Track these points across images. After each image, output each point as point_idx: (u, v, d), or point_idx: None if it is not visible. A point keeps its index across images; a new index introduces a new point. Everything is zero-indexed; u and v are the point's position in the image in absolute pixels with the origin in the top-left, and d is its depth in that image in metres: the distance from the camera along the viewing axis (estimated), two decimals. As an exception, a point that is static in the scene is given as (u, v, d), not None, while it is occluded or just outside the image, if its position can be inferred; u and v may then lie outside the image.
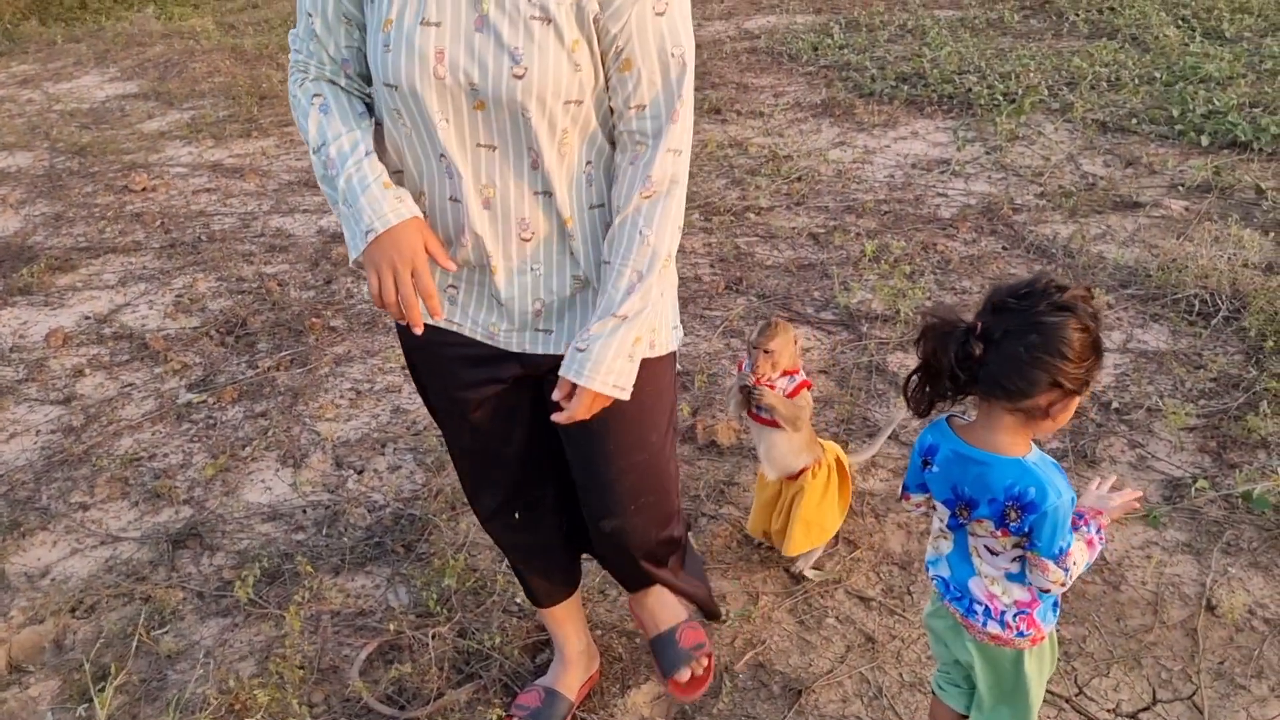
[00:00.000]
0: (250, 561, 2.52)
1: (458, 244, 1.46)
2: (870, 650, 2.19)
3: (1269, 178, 4.33)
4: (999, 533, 1.46)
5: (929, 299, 3.54)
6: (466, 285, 1.52)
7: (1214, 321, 3.31)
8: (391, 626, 2.28)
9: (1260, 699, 2.01)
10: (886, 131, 5.27)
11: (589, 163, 1.43)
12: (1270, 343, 3.13)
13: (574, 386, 1.43)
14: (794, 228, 4.19)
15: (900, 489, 1.67)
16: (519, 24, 1.29)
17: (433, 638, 2.24)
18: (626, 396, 1.44)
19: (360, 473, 2.87)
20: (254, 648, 2.28)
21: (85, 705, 2.16)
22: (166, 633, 2.34)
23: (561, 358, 1.46)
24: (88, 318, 3.84)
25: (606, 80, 1.38)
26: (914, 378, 1.45)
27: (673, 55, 1.36)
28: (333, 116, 1.41)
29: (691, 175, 4.82)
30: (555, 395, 1.45)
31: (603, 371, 1.40)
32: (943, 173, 4.68)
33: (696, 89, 6.21)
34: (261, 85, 6.90)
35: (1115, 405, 2.93)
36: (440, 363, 1.61)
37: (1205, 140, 4.73)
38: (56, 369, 3.50)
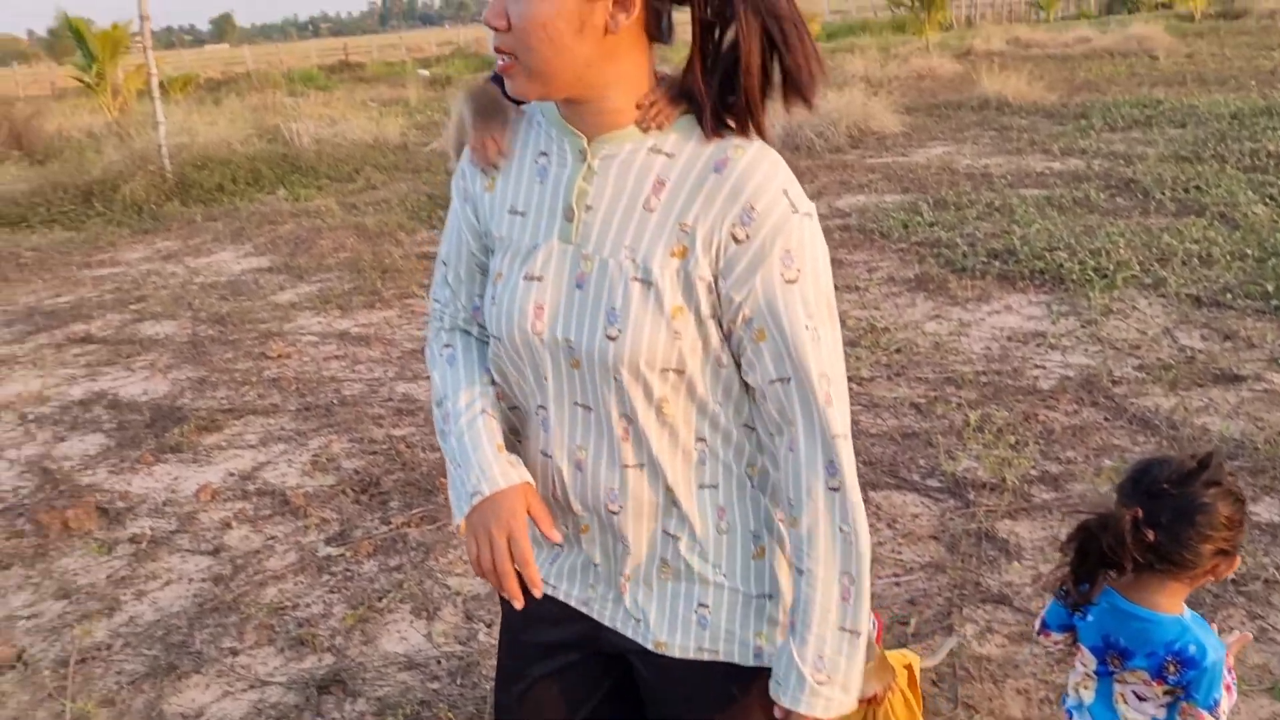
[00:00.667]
0: (391, 708, 2.66)
1: (552, 500, 1.36)
2: (998, 816, 2.21)
3: (1372, 352, 4.37)
4: (1155, 683, 1.57)
5: (1034, 469, 3.62)
6: (567, 547, 1.41)
7: (1326, 494, 3.33)
8: (527, 775, 2.38)
9: None
10: (980, 305, 5.46)
11: (701, 439, 1.29)
12: (1387, 516, 3.14)
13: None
14: (895, 398, 4.34)
15: (1038, 625, 1.77)
16: (620, 284, 1.22)
17: (567, 787, 2.33)
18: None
19: (490, 626, 3.01)
20: (397, 792, 2.39)
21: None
22: (314, 774, 2.47)
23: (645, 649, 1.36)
24: (233, 474, 4.14)
25: (737, 354, 1.25)
26: (1078, 567, 1.60)
27: (807, 328, 1.20)
28: (457, 369, 1.39)
29: (793, 346, 5.04)
30: (777, 714, 1.30)
31: (854, 691, 1.28)
32: (1039, 345, 4.82)
33: (793, 264, 6.51)
34: (384, 260, 7.43)
35: (1232, 576, 2.95)
36: (521, 614, 1.41)
37: (1303, 315, 4.80)
38: (206, 522, 3.77)
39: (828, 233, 7.19)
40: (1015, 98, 12.87)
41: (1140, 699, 1.62)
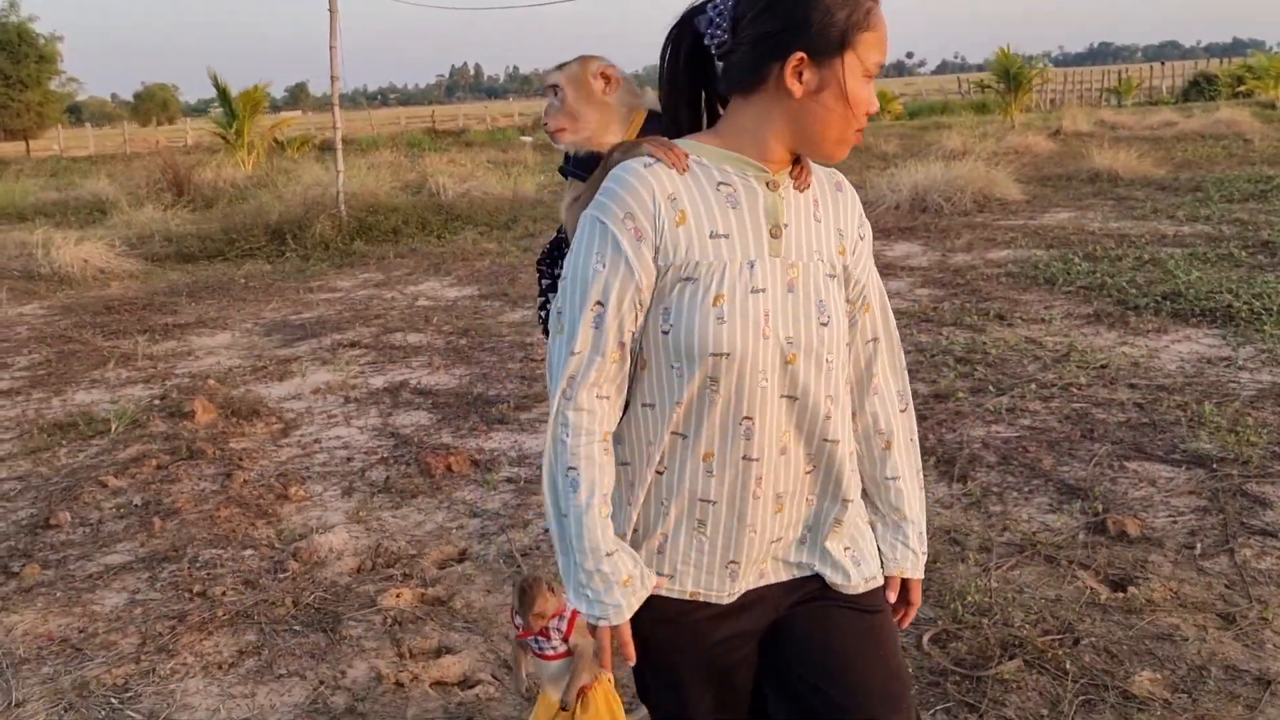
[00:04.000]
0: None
1: (748, 499, 1.54)
2: (1317, 660, 2.92)
3: None
4: None
5: (1264, 450, 4.34)
6: (753, 541, 1.57)
7: None
8: (937, 625, 3.13)
9: None
10: (1161, 336, 6.20)
11: (843, 408, 1.61)
12: None
13: (903, 583, 1.72)
14: (1117, 399, 5.09)
15: None
16: (821, 279, 1.52)
17: (974, 632, 3.07)
18: None
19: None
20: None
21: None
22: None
23: (805, 578, 1.64)
24: (564, 439, 4.97)
25: (850, 322, 1.62)
26: None
27: (882, 290, 1.67)
28: (597, 460, 1.52)
29: (1005, 360, 5.82)
30: (892, 597, 1.70)
31: (924, 564, 1.73)
32: (1227, 366, 5.54)
33: (975, 301, 7.32)
34: (590, 290, 8.33)
35: None
36: (690, 634, 1.62)
37: None
38: (563, 470, 4.59)
39: (993, 278, 8.01)
40: (1125, 172, 13.66)
41: None
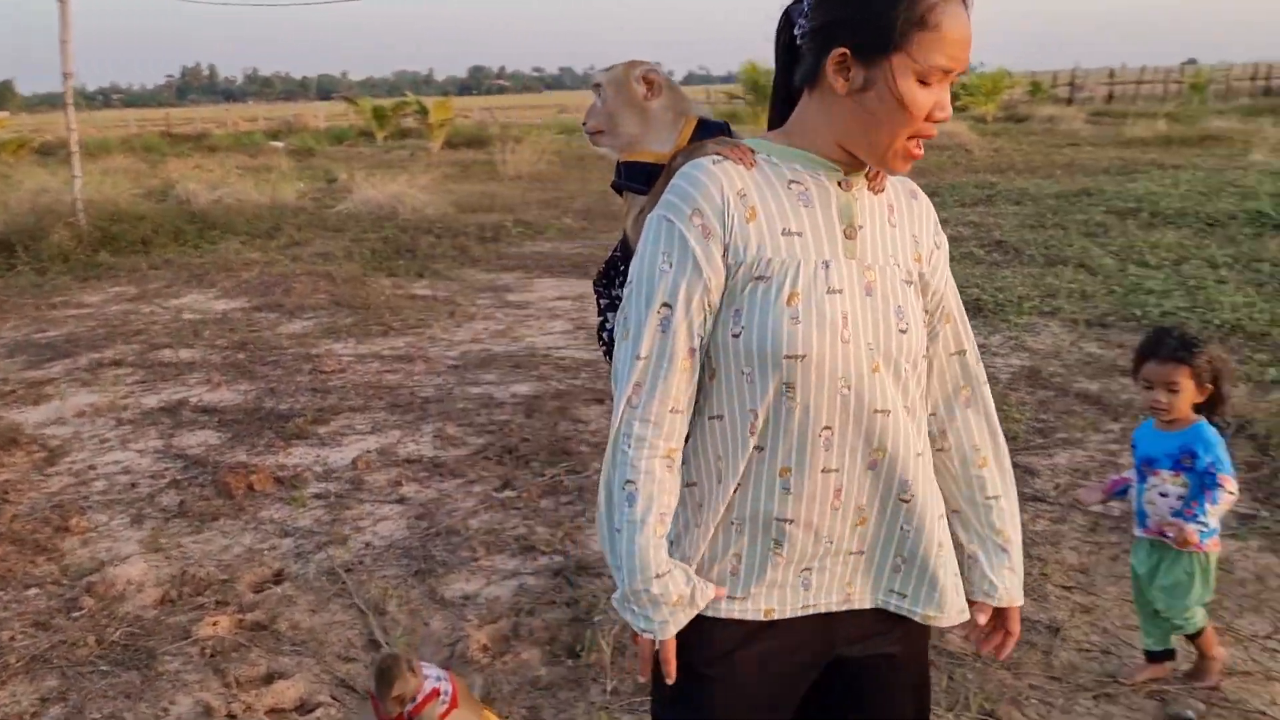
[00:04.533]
0: (638, 578, 3.50)
1: (826, 512, 1.45)
2: (1094, 606, 3.29)
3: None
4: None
5: (1025, 426, 4.84)
6: (827, 560, 1.49)
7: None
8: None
9: (1348, 614, 3.18)
10: (922, 328, 6.75)
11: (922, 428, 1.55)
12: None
13: (995, 611, 1.58)
14: (894, 386, 5.50)
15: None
16: (898, 285, 1.44)
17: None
18: None
19: (672, 533, 3.90)
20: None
21: (573, 660, 3.09)
22: (605, 614, 3.29)
23: (884, 614, 1.53)
24: (371, 451, 4.82)
25: (930, 334, 1.52)
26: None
27: (960, 303, 1.57)
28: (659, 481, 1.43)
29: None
30: (982, 620, 1.57)
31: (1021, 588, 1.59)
32: (983, 353, 6.08)
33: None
34: (374, 300, 8.10)
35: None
36: (756, 662, 1.51)
37: (1168, 330, 6.32)
38: (375, 482, 4.46)
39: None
40: (869, 179, 14.71)
41: None
